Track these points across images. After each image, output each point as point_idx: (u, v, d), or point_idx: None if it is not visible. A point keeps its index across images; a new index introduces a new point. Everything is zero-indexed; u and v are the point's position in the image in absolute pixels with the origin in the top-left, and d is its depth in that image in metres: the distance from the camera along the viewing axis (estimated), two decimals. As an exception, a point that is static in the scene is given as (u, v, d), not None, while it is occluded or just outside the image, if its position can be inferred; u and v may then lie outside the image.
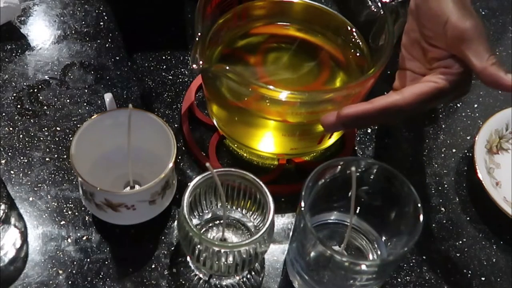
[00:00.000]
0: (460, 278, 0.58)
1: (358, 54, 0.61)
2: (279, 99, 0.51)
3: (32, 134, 0.63)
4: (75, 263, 0.55)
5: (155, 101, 0.67)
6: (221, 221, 0.56)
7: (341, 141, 0.65)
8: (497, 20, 0.80)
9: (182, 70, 0.70)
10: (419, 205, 0.48)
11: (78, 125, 0.63)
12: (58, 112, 0.65)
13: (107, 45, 0.71)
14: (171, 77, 0.69)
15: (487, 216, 0.62)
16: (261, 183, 0.52)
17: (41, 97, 0.66)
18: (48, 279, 0.54)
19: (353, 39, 0.61)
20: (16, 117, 0.64)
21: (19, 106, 0.65)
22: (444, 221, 0.61)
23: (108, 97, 0.59)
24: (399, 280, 0.57)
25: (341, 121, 0.52)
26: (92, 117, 0.55)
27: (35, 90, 0.67)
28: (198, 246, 0.50)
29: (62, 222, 0.58)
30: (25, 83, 0.67)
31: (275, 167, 0.63)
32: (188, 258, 0.56)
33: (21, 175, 0.60)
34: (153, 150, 0.56)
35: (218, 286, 0.55)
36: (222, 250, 0.49)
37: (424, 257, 0.59)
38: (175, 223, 0.58)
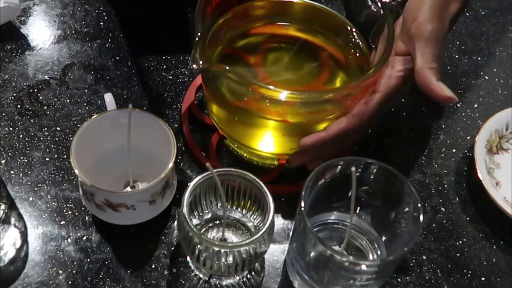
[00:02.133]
0: (460, 278, 0.58)
1: (358, 54, 0.61)
2: (279, 99, 0.51)
3: (32, 134, 0.63)
4: (75, 263, 0.55)
5: (155, 101, 0.67)
6: (221, 221, 0.56)
7: (341, 141, 0.65)
8: (497, 20, 0.80)
9: (182, 70, 0.70)
10: (419, 205, 0.48)
11: (78, 125, 0.63)
12: (58, 112, 0.65)
13: (107, 45, 0.71)
14: (171, 77, 0.69)
15: (487, 216, 0.62)
16: (261, 183, 0.52)
17: (41, 97, 0.66)
18: (48, 279, 0.54)
19: (353, 39, 0.61)
20: (16, 117, 0.64)
21: (19, 106, 0.65)
22: (444, 221, 0.61)
23: (108, 97, 0.59)
24: (399, 280, 0.57)
25: (302, 150, 0.55)
26: (92, 117, 0.55)
27: (35, 90, 0.67)
28: (198, 246, 0.50)
29: (62, 222, 0.58)
30: (25, 83, 0.67)
31: (275, 167, 0.63)
32: (188, 258, 0.56)
33: (21, 175, 0.60)
34: (153, 150, 0.56)
35: (218, 286, 0.55)
36: (222, 250, 0.49)
37: (424, 257, 0.59)
38: (175, 223, 0.58)
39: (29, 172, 0.60)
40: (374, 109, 0.54)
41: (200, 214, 0.56)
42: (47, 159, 0.61)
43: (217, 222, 0.57)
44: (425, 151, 0.67)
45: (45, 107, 0.65)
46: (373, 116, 0.54)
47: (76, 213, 0.58)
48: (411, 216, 0.50)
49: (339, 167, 0.51)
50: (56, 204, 0.59)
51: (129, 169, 0.56)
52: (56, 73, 0.68)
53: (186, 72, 0.69)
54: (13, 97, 0.66)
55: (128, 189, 0.57)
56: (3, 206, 0.56)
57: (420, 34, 0.53)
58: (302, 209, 0.47)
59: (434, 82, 0.51)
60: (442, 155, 0.66)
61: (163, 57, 0.71)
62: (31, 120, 0.64)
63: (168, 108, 0.66)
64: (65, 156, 0.62)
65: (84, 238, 0.57)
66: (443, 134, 0.68)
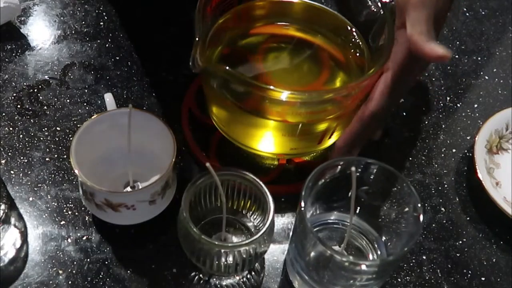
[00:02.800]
0: (460, 278, 0.58)
1: (358, 54, 0.61)
2: (279, 99, 0.51)
3: (32, 134, 0.63)
4: (75, 263, 0.55)
5: (155, 101, 0.67)
6: (221, 221, 0.56)
7: (341, 141, 0.65)
8: (497, 20, 0.80)
9: (182, 70, 0.70)
10: (419, 205, 0.48)
11: (78, 125, 0.63)
12: (58, 112, 0.65)
13: (107, 45, 0.71)
14: (171, 77, 0.69)
15: (487, 216, 0.62)
16: (261, 183, 0.52)
17: (41, 97, 0.66)
18: (48, 279, 0.54)
19: (353, 39, 0.61)
20: (16, 117, 0.64)
21: (19, 106, 0.65)
22: (444, 221, 0.61)
23: (108, 97, 0.59)
24: (399, 280, 0.57)
25: (338, 151, 0.56)
26: (92, 117, 0.55)
27: (35, 90, 0.67)
28: (198, 246, 0.50)
29: (62, 222, 0.58)
30: (25, 83, 0.67)
31: (275, 167, 0.63)
32: (188, 258, 0.56)
33: (21, 175, 0.60)
34: (153, 150, 0.56)
35: (218, 286, 0.55)
36: (222, 250, 0.49)
37: (424, 257, 0.59)
38: (175, 223, 0.58)
39: (29, 172, 0.60)
40: (391, 86, 0.54)
41: (200, 214, 0.56)
42: (47, 159, 0.61)
43: (217, 222, 0.57)
44: (425, 151, 0.67)
45: (45, 107, 0.65)
46: (393, 92, 0.54)
47: (76, 213, 0.58)
48: (411, 216, 0.50)
49: (339, 167, 0.51)
50: (56, 204, 0.59)
51: (129, 169, 0.56)
52: (56, 73, 0.68)
53: (186, 72, 0.69)
54: (13, 97, 0.66)
55: (128, 189, 0.57)
56: (3, 206, 0.56)
57: (406, 2, 0.53)
58: (302, 209, 0.47)
59: (426, 45, 0.51)
60: (442, 155, 0.66)
61: (163, 57, 0.71)
62: (31, 120, 0.64)
63: (168, 108, 0.66)
64: (65, 156, 0.62)
65: (84, 238, 0.57)
66: (443, 134, 0.68)
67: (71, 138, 0.59)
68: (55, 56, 0.70)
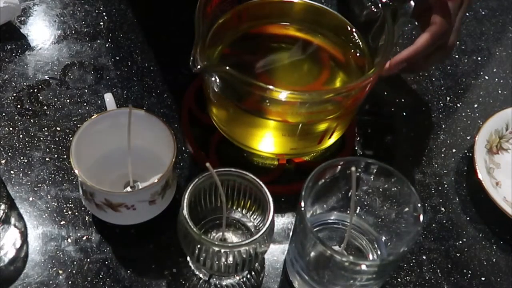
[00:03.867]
0: (460, 278, 0.58)
1: (358, 54, 0.61)
2: (279, 99, 0.51)
3: (32, 134, 0.63)
4: (75, 263, 0.55)
5: (155, 101, 0.67)
6: (221, 221, 0.56)
7: (341, 141, 0.65)
8: (497, 20, 0.80)
9: (182, 70, 0.70)
10: (419, 205, 0.48)
11: (78, 125, 0.63)
12: (58, 112, 0.65)
13: (107, 45, 0.71)
14: (171, 77, 0.69)
15: (487, 216, 0.62)
16: (261, 183, 0.52)
17: (41, 97, 0.66)
18: (48, 279, 0.54)
19: (353, 39, 0.61)
20: (16, 117, 0.64)
21: (19, 106, 0.65)
22: (444, 221, 0.61)
23: (108, 97, 0.59)
24: (399, 280, 0.57)
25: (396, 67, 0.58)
26: (92, 117, 0.55)
27: (35, 90, 0.67)
28: (198, 246, 0.50)
29: (62, 222, 0.58)
30: (25, 83, 0.67)
31: (275, 167, 0.63)
32: (188, 258, 0.56)
33: (21, 175, 0.60)
34: (153, 150, 0.56)
35: (218, 286, 0.55)
36: (222, 250, 0.49)
37: (424, 257, 0.59)
38: (175, 223, 0.58)
39: (29, 172, 0.60)
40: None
41: (200, 214, 0.56)
42: (47, 159, 0.61)
43: (217, 222, 0.57)
44: (425, 151, 0.67)
45: (45, 107, 0.65)
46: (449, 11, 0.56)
47: (76, 213, 0.58)
48: (411, 216, 0.50)
49: (339, 167, 0.51)
50: (56, 204, 0.59)
51: (129, 169, 0.56)
52: (56, 73, 0.68)
53: (186, 72, 0.69)
54: (13, 97, 0.66)
55: (128, 189, 0.57)
56: (3, 206, 0.56)
57: None
58: (302, 209, 0.47)
59: None
60: (442, 155, 0.66)
61: (163, 57, 0.71)
62: (31, 120, 0.64)
63: (168, 108, 0.66)
64: (65, 156, 0.62)
65: (84, 238, 0.57)
66: (443, 134, 0.68)
67: (71, 138, 0.59)
68: (55, 56, 0.70)
